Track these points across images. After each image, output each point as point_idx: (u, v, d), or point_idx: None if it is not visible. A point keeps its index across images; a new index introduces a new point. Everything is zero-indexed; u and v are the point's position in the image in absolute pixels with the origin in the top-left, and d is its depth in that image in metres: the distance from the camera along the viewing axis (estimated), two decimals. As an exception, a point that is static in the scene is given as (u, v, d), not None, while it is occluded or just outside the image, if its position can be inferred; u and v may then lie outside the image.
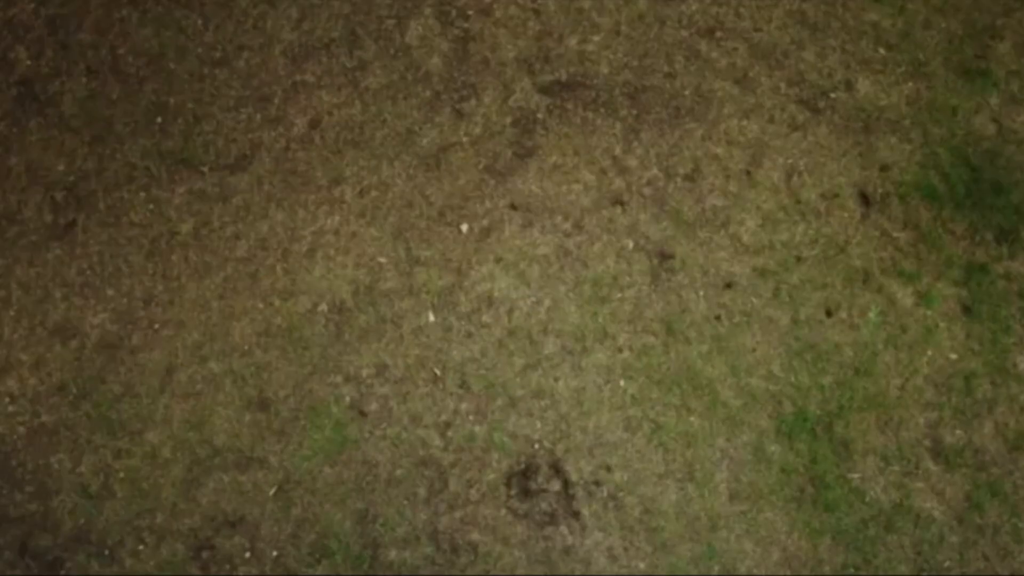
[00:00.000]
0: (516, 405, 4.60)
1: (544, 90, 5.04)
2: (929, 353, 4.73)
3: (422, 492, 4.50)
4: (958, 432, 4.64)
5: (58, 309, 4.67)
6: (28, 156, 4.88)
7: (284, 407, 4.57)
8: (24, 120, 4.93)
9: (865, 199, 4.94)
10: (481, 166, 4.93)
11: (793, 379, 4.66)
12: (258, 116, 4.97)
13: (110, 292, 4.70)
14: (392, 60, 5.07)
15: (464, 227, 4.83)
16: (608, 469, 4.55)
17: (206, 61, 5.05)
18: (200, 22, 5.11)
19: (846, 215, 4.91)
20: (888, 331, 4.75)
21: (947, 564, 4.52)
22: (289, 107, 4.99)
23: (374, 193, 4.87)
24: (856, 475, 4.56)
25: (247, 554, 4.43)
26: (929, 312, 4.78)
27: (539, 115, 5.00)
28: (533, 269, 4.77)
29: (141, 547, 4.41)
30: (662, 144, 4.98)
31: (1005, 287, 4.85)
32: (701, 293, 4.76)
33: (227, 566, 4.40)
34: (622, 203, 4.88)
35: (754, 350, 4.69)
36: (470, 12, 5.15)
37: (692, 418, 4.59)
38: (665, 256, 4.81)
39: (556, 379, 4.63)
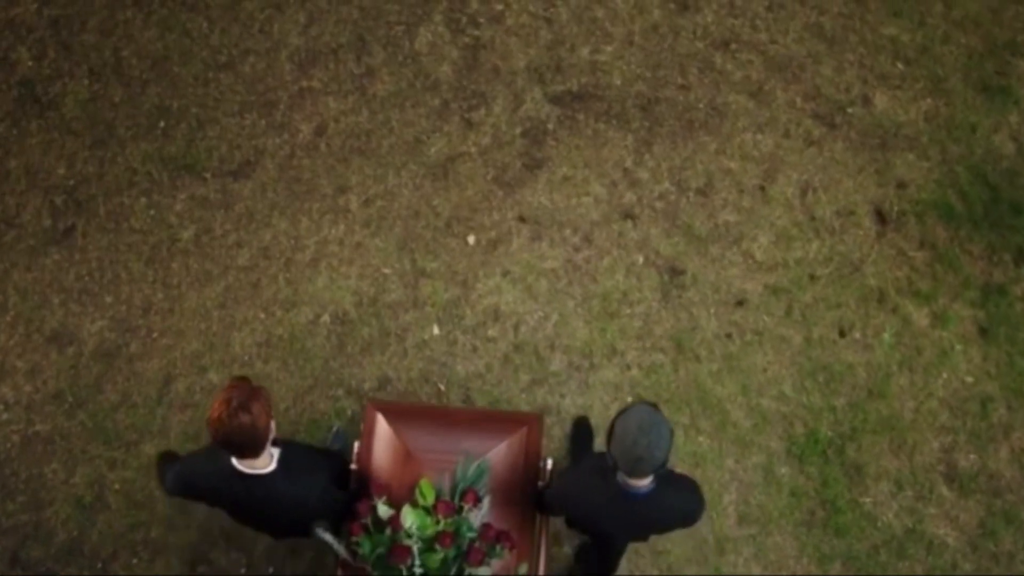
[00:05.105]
0: (521, 422, 4.54)
1: (555, 100, 5.00)
2: (944, 375, 4.68)
3: (423, 510, 4.44)
4: (973, 457, 4.58)
5: (55, 315, 4.65)
6: (28, 159, 4.88)
7: (284, 419, 4.52)
8: (24, 122, 4.93)
9: (881, 217, 4.89)
10: (489, 177, 4.89)
11: (805, 400, 4.61)
12: (263, 122, 4.95)
13: (109, 299, 4.67)
14: (400, 67, 5.04)
15: (471, 239, 4.78)
16: (614, 489, 4.47)
17: (211, 65, 5.03)
18: (206, 25, 5.09)
19: (861, 233, 4.86)
20: (903, 352, 4.69)
21: (960, 592, 4.46)
22: (295, 113, 4.97)
23: (380, 203, 4.83)
24: (868, 499, 4.51)
25: (243, 569, 4.39)
26: (945, 333, 4.72)
27: (549, 126, 4.96)
28: (541, 283, 4.72)
29: (135, 560, 4.38)
30: (674, 157, 4.93)
31: (1023, 309, 4.77)
32: (712, 310, 4.70)
33: (223, 582, 4.35)
34: (633, 217, 4.83)
35: (765, 370, 4.63)
36: (481, 20, 5.12)
37: (701, 438, 4.53)
38: (676, 272, 4.75)
39: (563, 396, 4.57)
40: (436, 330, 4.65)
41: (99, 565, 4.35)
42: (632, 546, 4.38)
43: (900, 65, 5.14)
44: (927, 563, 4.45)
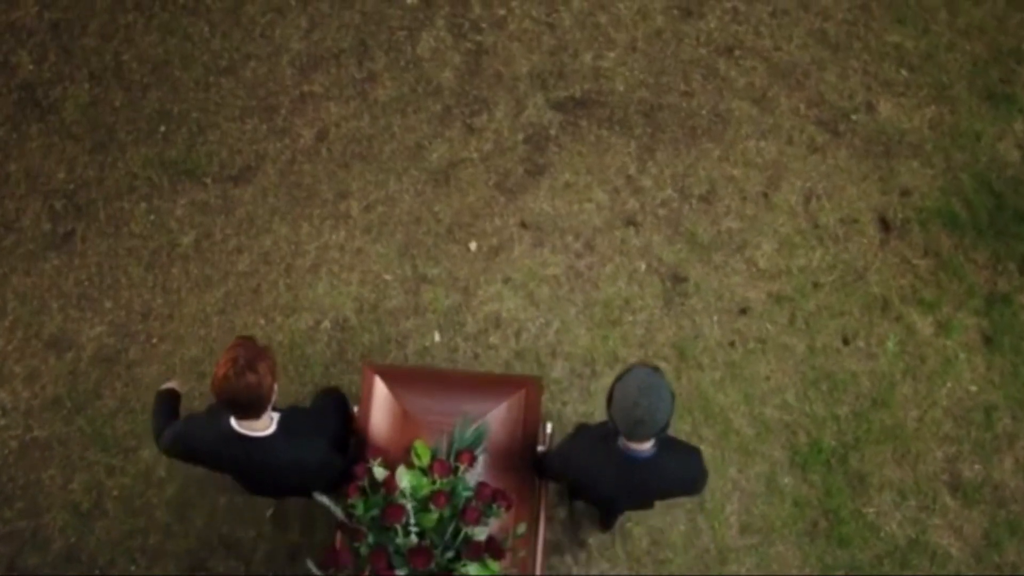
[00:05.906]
0: (522, 430, 4.51)
1: (557, 106, 4.98)
2: (948, 385, 4.64)
3: (423, 518, 4.41)
4: (977, 467, 4.55)
5: (54, 320, 4.62)
6: (28, 163, 4.86)
7: (283, 426, 4.48)
8: (24, 126, 4.91)
9: (885, 225, 4.86)
10: (491, 183, 4.86)
11: (808, 409, 4.57)
12: (264, 127, 4.93)
13: (108, 304, 4.65)
14: (402, 72, 5.02)
15: (472, 245, 4.75)
16: (616, 498, 4.44)
17: (212, 69, 5.02)
18: (207, 29, 5.07)
19: (865, 241, 4.83)
20: (906, 361, 4.66)
21: (964, 603, 4.43)
22: (296, 118, 4.95)
23: (381, 208, 4.81)
24: (871, 509, 4.47)
25: None
26: (949, 342, 4.69)
27: (552, 132, 4.94)
28: (542, 290, 4.69)
29: (133, 567, 4.35)
30: (677, 164, 4.91)
31: (1028, 318, 4.76)
32: (715, 318, 4.67)
33: (221, 590, 4.33)
34: (635, 224, 4.81)
35: (768, 378, 4.60)
36: (483, 25, 5.10)
37: (703, 447, 4.49)
38: (678, 279, 4.72)
39: (564, 403, 4.55)
40: (437, 337, 4.63)
41: (96, 572, 4.32)
42: (634, 553, 4.35)
43: (904, 72, 5.12)
44: (931, 573, 4.41)
